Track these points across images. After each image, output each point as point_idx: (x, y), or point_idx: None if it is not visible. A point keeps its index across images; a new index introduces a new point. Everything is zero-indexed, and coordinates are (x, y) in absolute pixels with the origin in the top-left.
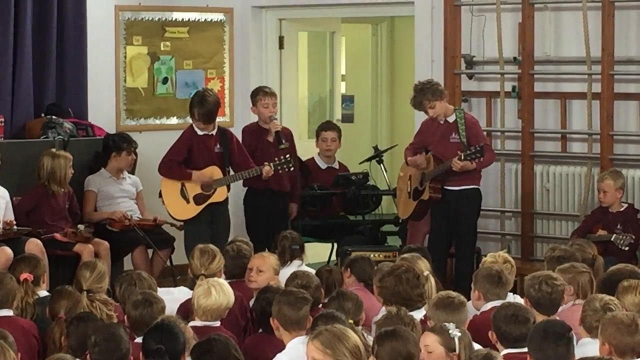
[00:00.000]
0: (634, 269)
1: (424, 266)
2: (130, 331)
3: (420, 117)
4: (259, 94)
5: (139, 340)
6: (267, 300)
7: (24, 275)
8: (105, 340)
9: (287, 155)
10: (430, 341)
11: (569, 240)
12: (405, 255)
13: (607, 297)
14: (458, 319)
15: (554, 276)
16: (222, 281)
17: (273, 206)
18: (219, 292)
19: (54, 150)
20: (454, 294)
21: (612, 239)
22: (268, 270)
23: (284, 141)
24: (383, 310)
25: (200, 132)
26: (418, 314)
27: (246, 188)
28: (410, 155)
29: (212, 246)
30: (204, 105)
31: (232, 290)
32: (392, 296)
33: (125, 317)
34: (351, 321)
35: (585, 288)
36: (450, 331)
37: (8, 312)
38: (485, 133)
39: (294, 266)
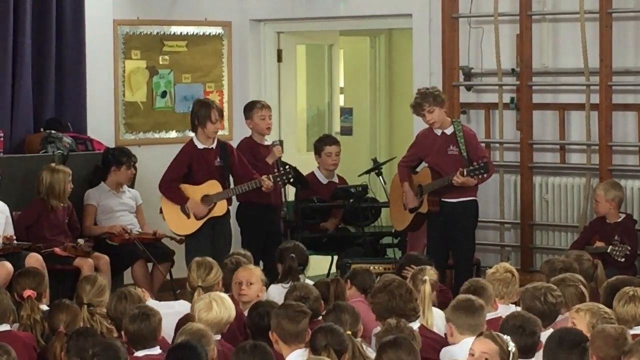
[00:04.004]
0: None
1: (430, 274)
2: (128, 346)
3: (418, 128)
4: (255, 107)
5: (138, 354)
6: (259, 315)
7: (28, 292)
8: (104, 350)
9: (287, 167)
10: (490, 349)
11: (564, 252)
12: (417, 268)
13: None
14: (477, 322)
15: (554, 287)
16: (224, 295)
17: (268, 220)
18: (220, 306)
19: (53, 165)
20: (473, 297)
21: (608, 251)
22: (257, 281)
23: (284, 169)
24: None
25: (200, 146)
26: (414, 326)
27: (238, 203)
28: (405, 171)
29: (209, 258)
30: (213, 104)
31: (233, 305)
32: (385, 311)
33: (123, 332)
34: (349, 332)
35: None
36: (509, 345)
37: (6, 327)
38: (483, 145)
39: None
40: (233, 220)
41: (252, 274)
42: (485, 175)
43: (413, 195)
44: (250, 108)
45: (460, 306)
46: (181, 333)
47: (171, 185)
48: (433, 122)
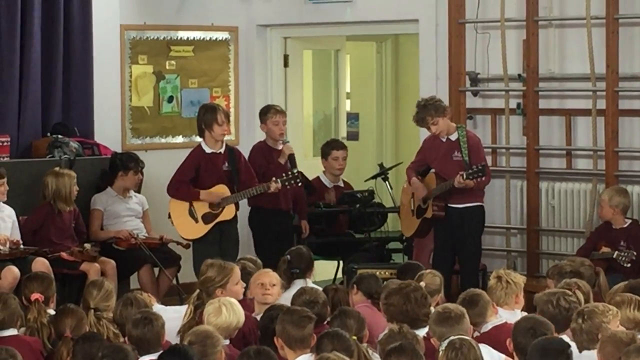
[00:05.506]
0: None
1: (437, 281)
2: None
3: (424, 134)
4: (270, 112)
5: (142, 359)
6: (270, 318)
7: (35, 296)
8: (113, 352)
9: (295, 171)
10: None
11: (568, 258)
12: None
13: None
14: (459, 330)
15: (569, 293)
16: (234, 300)
17: (280, 224)
18: (230, 311)
19: (57, 169)
20: (451, 306)
21: (614, 256)
22: (278, 283)
23: (292, 172)
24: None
25: (208, 151)
26: (421, 332)
27: (250, 207)
28: (413, 174)
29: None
30: (219, 107)
31: (242, 310)
32: (399, 314)
33: (127, 337)
34: (355, 337)
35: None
36: (442, 342)
37: (14, 332)
38: (490, 150)
39: (298, 286)
40: (241, 225)
41: (273, 276)
42: (483, 179)
43: (420, 184)
44: (264, 112)
45: (438, 318)
46: (188, 334)
47: (180, 186)
48: (439, 132)
